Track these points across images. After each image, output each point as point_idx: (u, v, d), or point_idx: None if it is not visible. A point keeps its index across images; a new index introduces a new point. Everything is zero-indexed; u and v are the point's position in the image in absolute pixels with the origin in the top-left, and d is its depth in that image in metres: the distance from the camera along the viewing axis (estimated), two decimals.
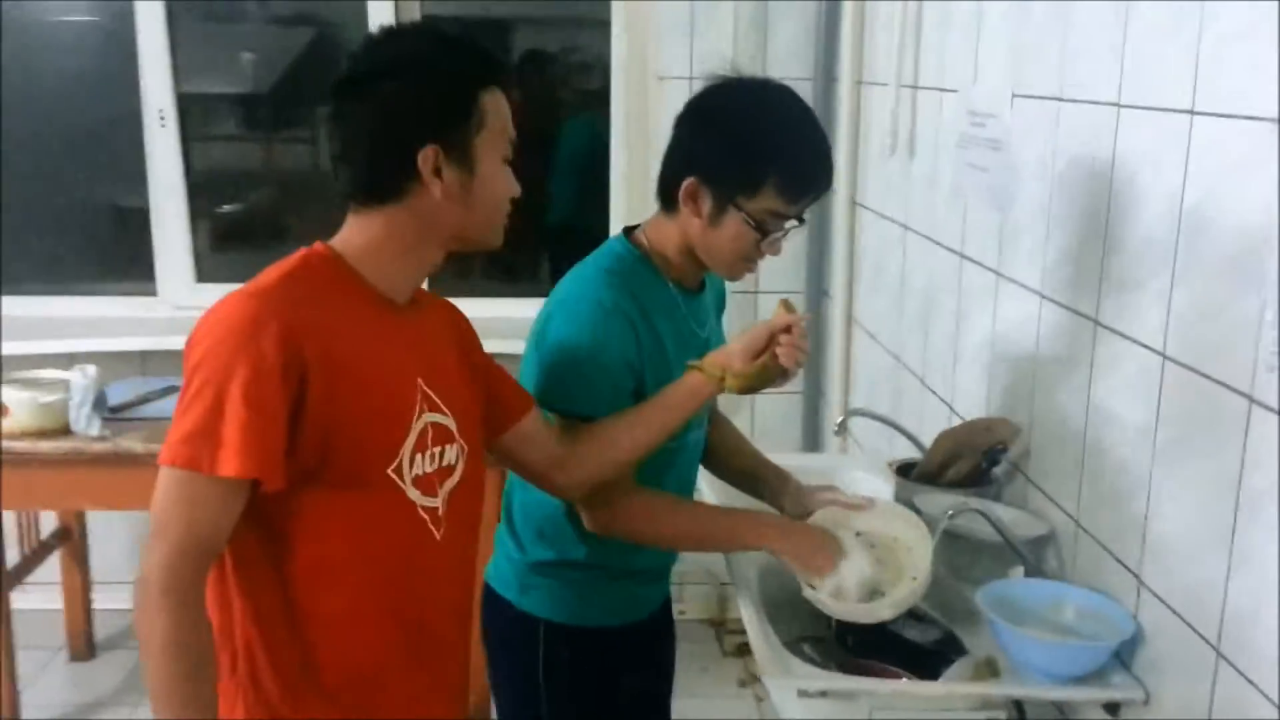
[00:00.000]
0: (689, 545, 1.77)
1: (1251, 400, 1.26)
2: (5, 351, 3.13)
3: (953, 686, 1.51)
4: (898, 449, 2.24)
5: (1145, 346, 1.49)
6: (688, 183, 1.58)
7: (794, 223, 1.64)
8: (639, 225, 1.71)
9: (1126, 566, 1.53)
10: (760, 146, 1.56)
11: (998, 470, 1.93)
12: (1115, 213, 1.58)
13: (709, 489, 2.00)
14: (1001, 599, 1.57)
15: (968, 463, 1.88)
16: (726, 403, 3.29)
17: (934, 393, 2.38)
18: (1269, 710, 1.22)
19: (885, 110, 2.68)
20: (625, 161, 3.41)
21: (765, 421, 3.47)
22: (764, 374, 1.56)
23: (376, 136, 1.30)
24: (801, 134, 1.60)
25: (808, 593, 1.60)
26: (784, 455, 2.01)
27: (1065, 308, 1.74)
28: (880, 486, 2.03)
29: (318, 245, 1.35)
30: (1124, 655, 1.52)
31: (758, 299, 3.42)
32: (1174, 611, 1.41)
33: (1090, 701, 1.53)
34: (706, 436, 1.89)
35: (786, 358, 1.54)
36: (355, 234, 1.35)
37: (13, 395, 2.65)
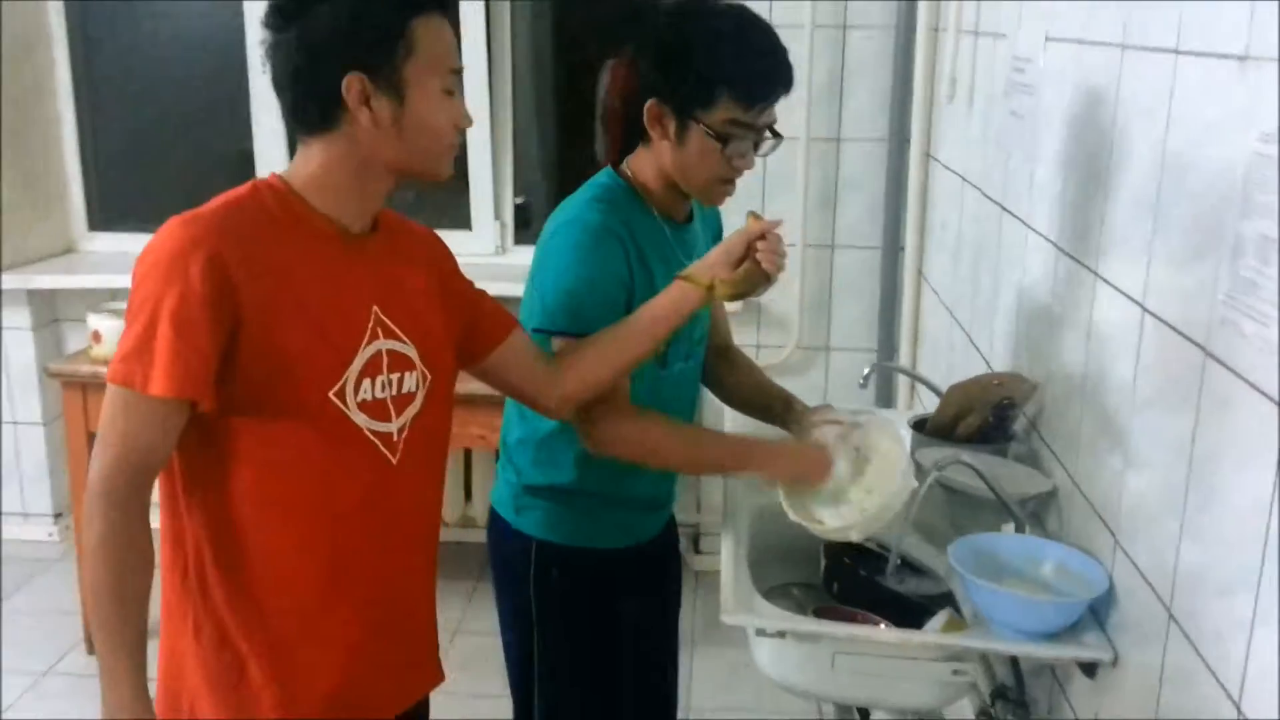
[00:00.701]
0: (683, 467, 1.82)
1: (1206, 353, 1.21)
2: (111, 284, 3.34)
3: (911, 635, 1.50)
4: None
5: (1129, 298, 1.44)
6: (649, 105, 1.61)
7: (768, 136, 1.64)
8: (624, 160, 1.72)
9: (1106, 525, 1.49)
10: (707, 54, 1.58)
11: (1016, 426, 1.89)
12: (1115, 160, 1.52)
13: (730, 423, 2.02)
14: (978, 553, 1.55)
15: (977, 417, 1.85)
16: (803, 357, 3.32)
17: (977, 349, 2.32)
18: (1210, 684, 1.17)
19: (946, 57, 2.60)
20: None
21: (838, 377, 3.43)
22: (749, 279, 1.57)
23: (302, 66, 1.32)
24: (748, 37, 1.61)
25: (788, 510, 1.62)
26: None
27: (1073, 259, 1.68)
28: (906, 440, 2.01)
29: (271, 175, 1.38)
30: (1101, 615, 1.48)
31: (834, 253, 3.38)
32: (1139, 571, 1.37)
33: (1061, 660, 1.50)
34: (717, 370, 1.92)
35: (768, 262, 1.55)
36: (301, 163, 1.37)
37: (105, 323, 2.83)
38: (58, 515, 3.73)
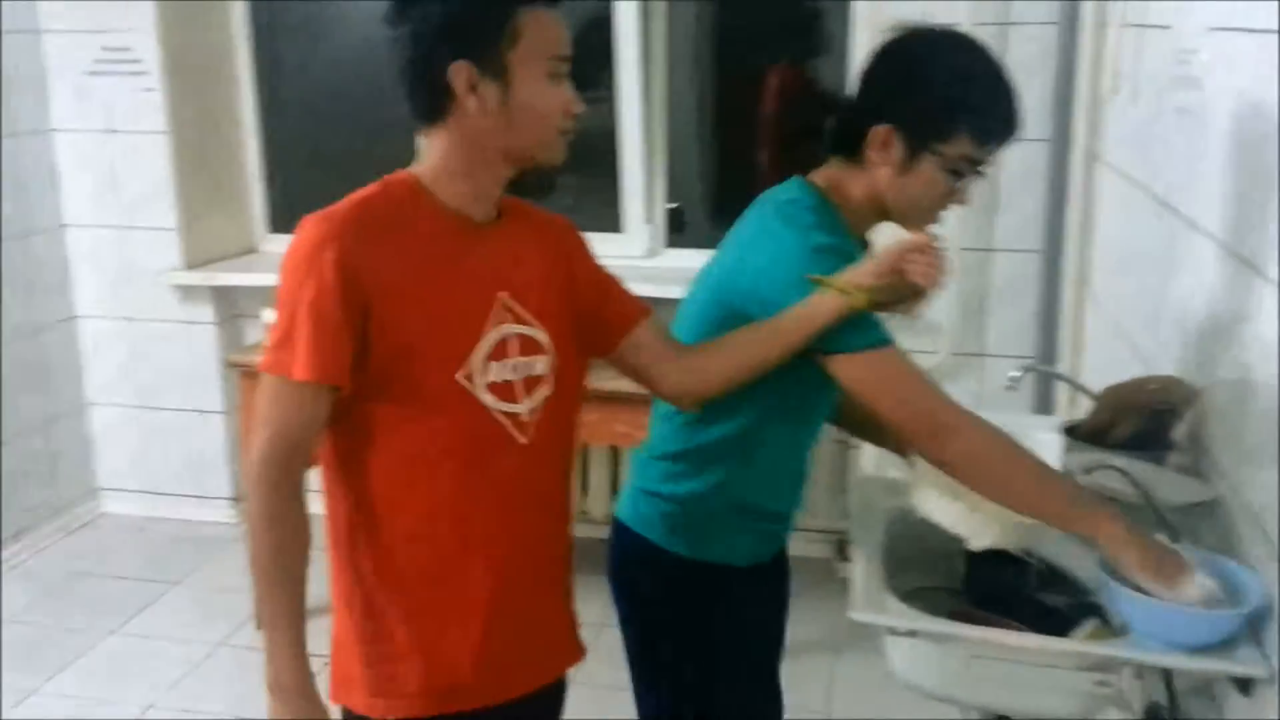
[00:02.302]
0: (1031, 499, 1.53)
1: None
2: None
3: (1050, 641, 1.45)
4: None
5: None
6: (880, 129, 1.58)
7: (971, 183, 1.62)
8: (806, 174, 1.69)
9: (1268, 536, 1.42)
10: (956, 91, 1.57)
11: (1174, 434, 1.81)
12: None
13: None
14: None
15: (1132, 423, 1.78)
16: (956, 364, 3.24)
17: (1140, 356, 2.24)
18: None
19: (1110, 53, 2.51)
20: None
21: (992, 385, 3.35)
22: (893, 289, 1.52)
23: (415, 58, 1.38)
24: (994, 78, 1.59)
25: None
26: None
27: (1243, 261, 1.61)
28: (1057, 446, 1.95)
29: (400, 171, 1.45)
30: (1260, 630, 1.41)
31: (991, 257, 3.29)
32: None
33: (1213, 674, 1.43)
34: None
35: (918, 274, 1.51)
36: (425, 157, 1.44)
37: None
38: (235, 499, 3.96)
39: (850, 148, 1.63)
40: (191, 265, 3.78)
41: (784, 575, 1.85)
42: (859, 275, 1.51)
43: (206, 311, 3.84)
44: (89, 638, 3.24)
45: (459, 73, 1.36)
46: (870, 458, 1.97)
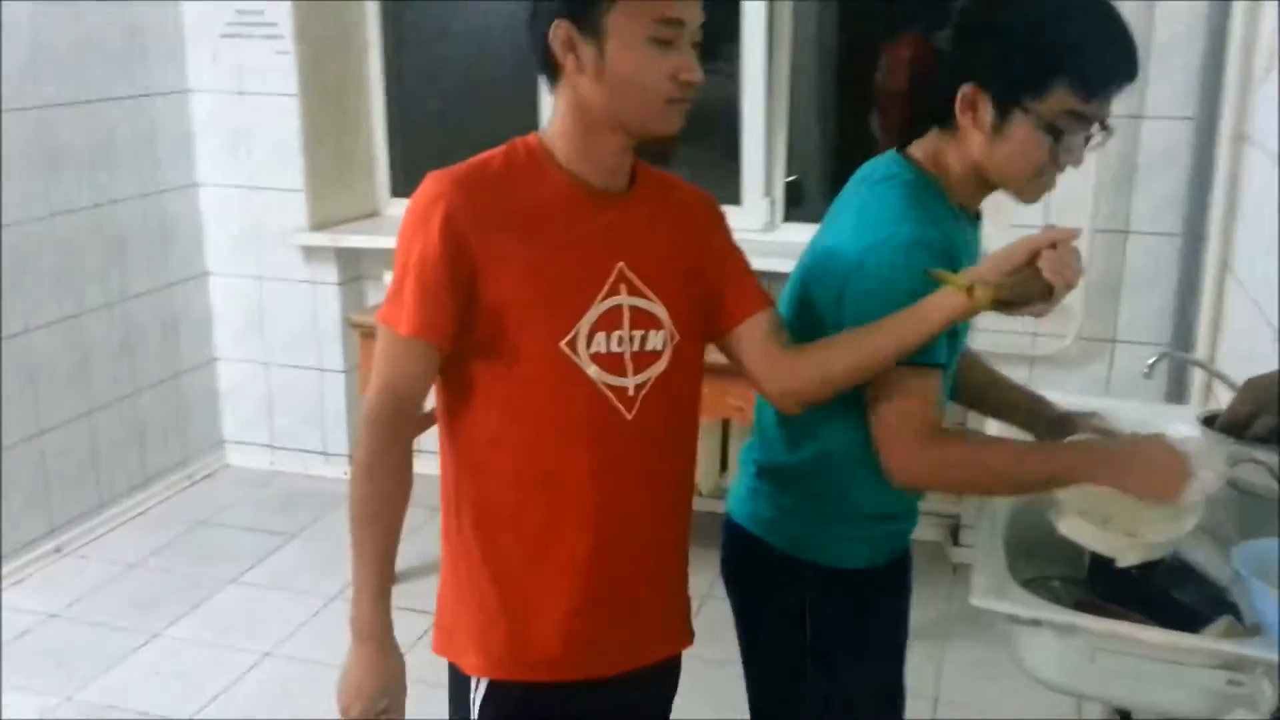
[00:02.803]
0: (1004, 490, 1.58)
1: None
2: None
3: (1178, 637, 1.39)
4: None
5: None
6: (965, 90, 1.46)
7: (1096, 128, 1.47)
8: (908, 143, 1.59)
9: None
10: (1044, 36, 1.43)
11: None
12: None
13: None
14: (1267, 559, 1.43)
15: (1276, 415, 1.69)
16: (1083, 349, 3.13)
17: None
18: None
19: (1265, 30, 2.38)
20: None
21: (1121, 373, 3.23)
22: (1022, 287, 1.36)
23: (530, 18, 1.37)
24: (1093, 16, 1.43)
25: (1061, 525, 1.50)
26: (1099, 400, 1.90)
27: None
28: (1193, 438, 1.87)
29: (531, 134, 1.43)
30: None
31: (1127, 239, 3.17)
32: None
33: None
34: (960, 368, 1.77)
35: (1051, 270, 1.35)
36: (552, 119, 1.42)
37: None
38: (353, 455, 4.04)
39: (944, 114, 1.50)
40: (316, 226, 3.87)
41: (903, 579, 1.72)
42: (984, 271, 1.38)
43: (330, 272, 3.93)
44: (209, 586, 3.36)
45: (558, 30, 1.34)
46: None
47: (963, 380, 1.76)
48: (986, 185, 1.55)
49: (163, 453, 3.96)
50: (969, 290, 1.36)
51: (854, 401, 1.50)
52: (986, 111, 1.47)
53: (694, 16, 1.36)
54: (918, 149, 1.57)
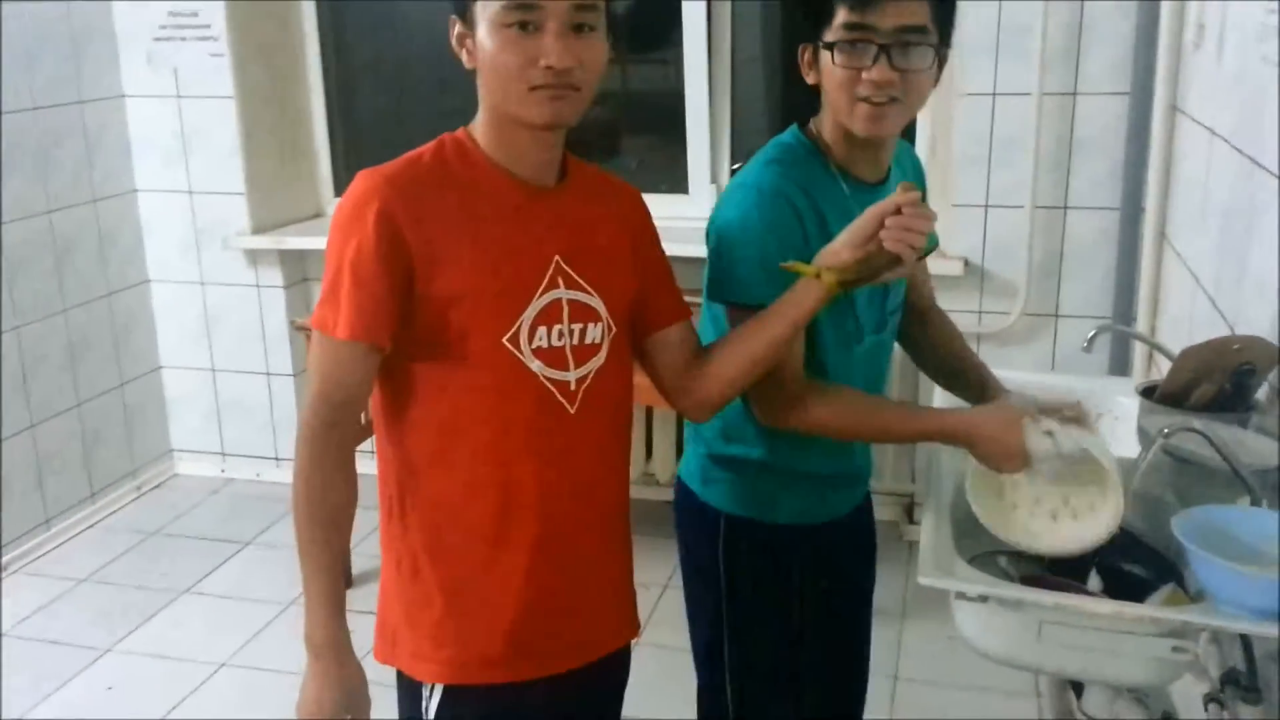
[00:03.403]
0: (862, 437, 1.70)
1: None
2: None
3: (1126, 606, 1.41)
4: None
5: None
6: (800, 52, 1.55)
7: (905, 41, 1.46)
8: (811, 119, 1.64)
9: None
10: None
11: (1258, 395, 1.75)
12: None
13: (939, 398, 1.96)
14: (1207, 527, 1.45)
15: (1214, 384, 1.71)
16: (1029, 325, 3.17)
17: (1223, 316, 2.16)
18: None
19: (1193, 3, 2.42)
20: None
21: (1066, 347, 3.27)
22: (867, 264, 1.42)
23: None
24: None
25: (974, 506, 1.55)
26: (1044, 376, 1.92)
27: None
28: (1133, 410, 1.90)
29: (460, 129, 1.42)
30: None
31: (1066, 215, 3.21)
32: None
33: None
34: (914, 332, 1.86)
35: (891, 241, 1.39)
36: (478, 114, 1.42)
37: None
38: None
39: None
40: (259, 229, 3.82)
41: (822, 545, 1.75)
42: (832, 255, 1.44)
43: (275, 275, 3.89)
44: (163, 596, 3.32)
45: (452, 26, 1.36)
46: None
47: (928, 344, 1.87)
48: (852, 140, 1.57)
49: (110, 464, 3.90)
50: (818, 276, 1.43)
51: None
52: (809, 62, 1.55)
53: None
54: (815, 121, 1.63)
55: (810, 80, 1.56)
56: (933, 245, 1.85)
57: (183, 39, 3.71)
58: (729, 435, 1.69)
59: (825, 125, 1.60)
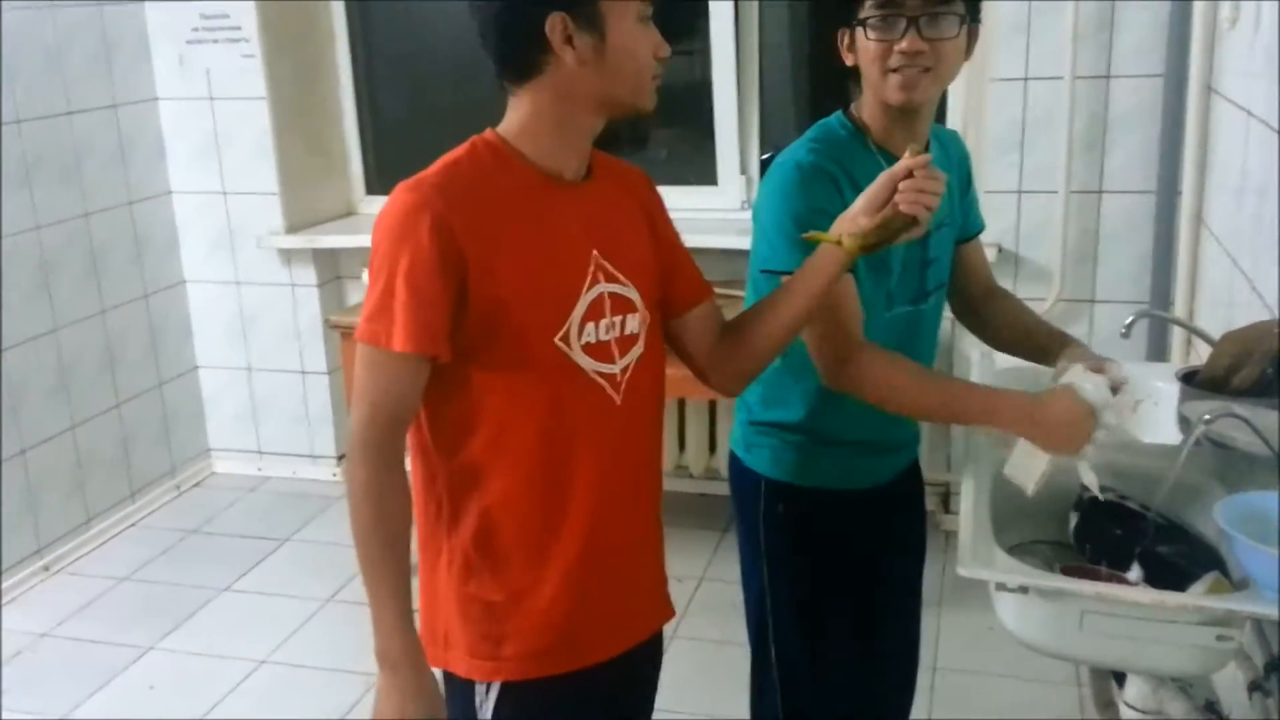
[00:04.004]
0: (922, 412, 1.72)
1: None
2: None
3: (1167, 595, 1.39)
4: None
5: None
6: (838, 38, 1.63)
7: (904, 23, 1.54)
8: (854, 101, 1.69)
9: None
10: None
11: None
12: None
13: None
14: (1250, 514, 1.43)
15: (1255, 368, 1.69)
16: (1065, 310, 3.14)
17: (1261, 299, 2.13)
18: None
19: None
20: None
21: (1103, 332, 3.23)
22: (885, 227, 1.45)
23: (504, 14, 1.35)
24: None
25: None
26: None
27: None
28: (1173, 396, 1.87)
29: (487, 132, 1.42)
30: None
31: (1101, 199, 3.17)
32: None
33: None
34: (983, 313, 1.88)
35: (906, 203, 1.44)
36: (512, 115, 1.41)
37: None
38: (340, 457, 4.04)
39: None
40: (292, 229, 3.84)
41: (864, 515, 1.77)
42: (850, 220, 1.48)
43: (308, 274, 3.91)
44: (202, 595, 3.35)
45: (555, 25, 1.33)
46: None
47: (999, 322, 1.88)
48: (891, 114, 1.63)
49: (149, 464, 3.94)
50: (839, 243, 1.46)
51: None
52: (847, 45, 1.63)
53: None
54: (856, 104, 1.69)
55: (849, 62, 1.63)
56: (979, 228, 1.88)
57: (214, 41, 3.74)
58: (768, 401, 1.73)
59: (865, 106, 1.66)
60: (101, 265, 3.70)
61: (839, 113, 1.69)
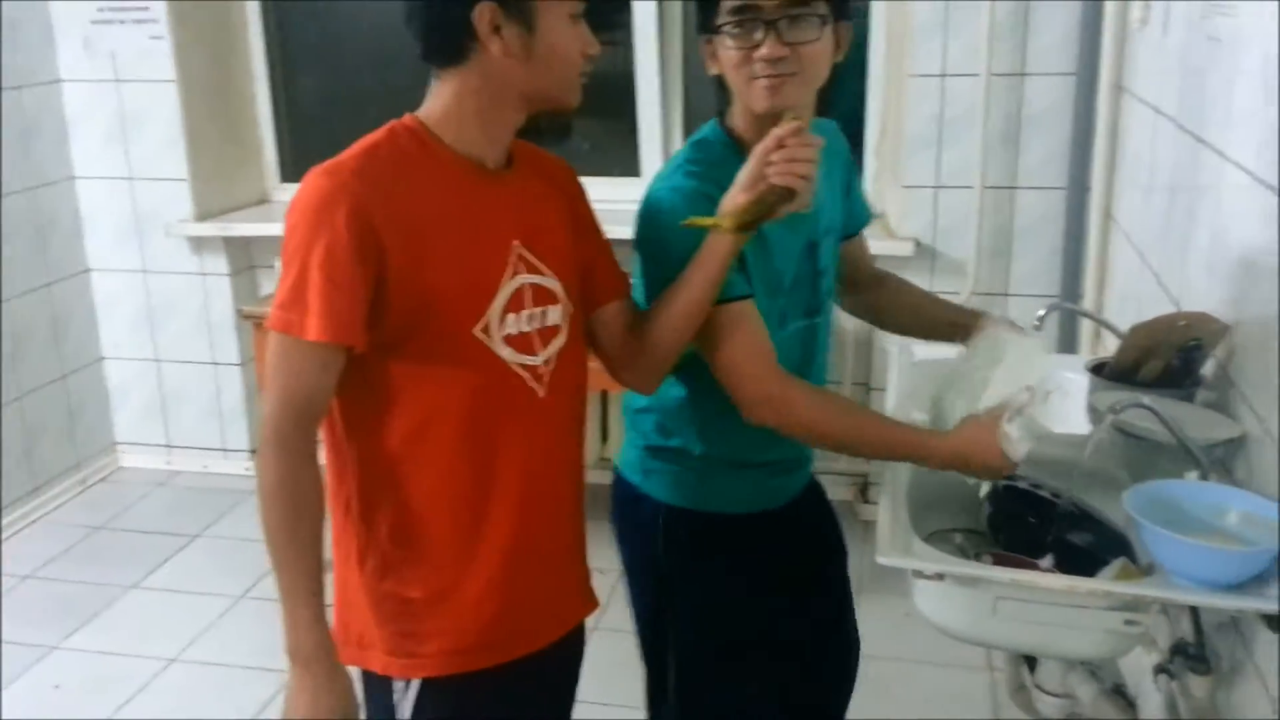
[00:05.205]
0: (846, 449, 1.64)
1: None
2: None
3: (1078, 581, 1.42)
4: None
5: None
6: (700, 43, 1.56)
7: (762, 28, 1.48)
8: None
9: None
10: None
11: (1204, 370, 1.77)
12: None
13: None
14: (1157, 501, 1.46)
15: (1161, 360, 1.74)
16: (979, 304, 3.20)
17: (1167, 292, 2.19)
18: None
19: None
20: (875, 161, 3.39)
21: (1018, 322, 3.28)
22: (759, 203, 1.41)
23: (433, 1, 1.34)
24: None
25: None
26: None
27: (1275, 191, 1.56)
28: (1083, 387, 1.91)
29: (405, 116, 1.39)
30: None
31: (1015, 195, 3.23)
32: None
33: (1241, 611, 1.41)
34: (877, 302, 1.87)
35: (778, 175, 1.39)
36: (434, 100, 1.39)
37: None
38: (253, 451, 3.95)
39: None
40: (203, 216, 3.75)
41: (770, 533, 1.73)
42: (729, 201, 1.44)
43: (220, 263, 3.82)
44: (110, 592, 3.26)
45: (483, 14, 1.31)
46: (893, 400, 1.94)
47: (894, 306, 1.87)
48: (763, 121, 1.51)
49: (53, 458, 3.81)
50: (719, 226, 1.42)
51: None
52: (711, 54, 1.56)
53: None
54: (729, 114, 1.62)
55: (713, 71, 1.56)
56: (865, 222, 1.86)
57: (121, 22, 3.63)
58: (666, 429, 1.68)
59: (736, 114, 1.59)
60: (1, 252, 3.56)
61: (713, 122, 1.62)
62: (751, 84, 1.51)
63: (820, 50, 1.52)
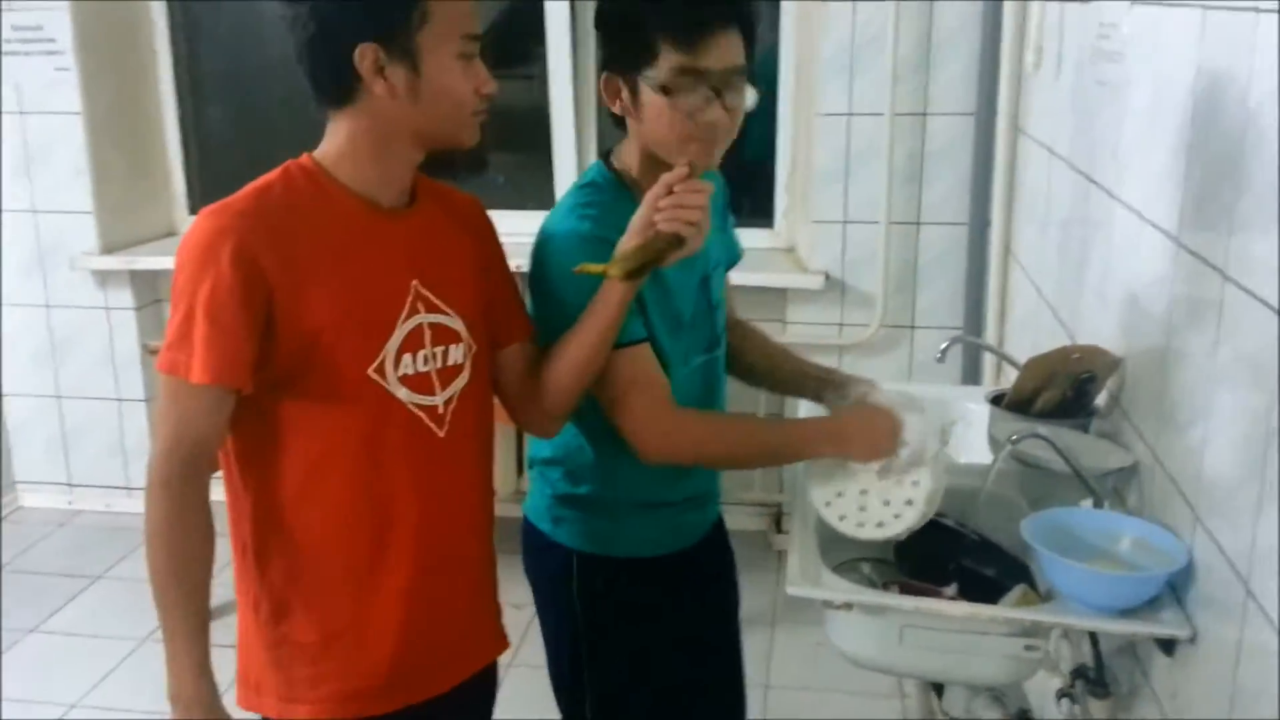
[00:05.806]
0: (740, 460, 1.70)
1: None
2: None
3: (980, 608, 1.47)
4: None
5: (1213, 267, 1.39)
6: (602, 80, 1.53)
7: (708, 93, 1.47)
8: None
9: (1187, 500, 1.45)
10: (636, 6, 1.49)
11: (1097, 401, 1.85)
12: (1199, 126, 1.47)
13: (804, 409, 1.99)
14: (1054, 529, 1.52)
15: (1057, 391, 1.80)
16: (887, 336, 3.28)
17: (1063, 325, 2.27)
18: None
19: (1034, 25, 2.54)
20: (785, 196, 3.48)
21: (922, 356, 3.39)
22: (645, 249, 1.39)
23: (315, 40, 1.31)
24: None
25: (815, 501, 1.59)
26: (904, 384, 1.97)
27: (1159, 229, 1.63)
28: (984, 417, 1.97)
29: (303, 156, 1.38)
30: (1180, 592, 1.44)
31: (919, 230, 3.32)
32: (1219, 548, 1.33)
33: (1136, 636, 1.46)
34: (737, 353, 1.84)
35: (665, 221, 1.38)
36: (329, 140, 1.38)
37: None
38: None
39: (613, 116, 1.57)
40: (109, 249, 3.68)
41: (683, 574, 1.73)
42: (620, 247, 1.42)
43: (125, 296, 3.74)
44: (9, 636, 3.15)
45: (365, 55, 1.30)
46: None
47: (751, 357, 1.84)
48: (660, 165, 1.51)
49: None
50: (608, 273, 1.41)
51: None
52: (624, 94, 1.52)
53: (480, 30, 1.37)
54: (617, 152, 1.62)
55: (617, 110, 1.54)
56: (738, 255, 1.85)
57: (27, 54, 3.55)
58: (574, 476, 1.67)
59: (631, 155, 1.58)
60: None
61: (599, 166, 1.61)
62: (686, 143, 1.49)
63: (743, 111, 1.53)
